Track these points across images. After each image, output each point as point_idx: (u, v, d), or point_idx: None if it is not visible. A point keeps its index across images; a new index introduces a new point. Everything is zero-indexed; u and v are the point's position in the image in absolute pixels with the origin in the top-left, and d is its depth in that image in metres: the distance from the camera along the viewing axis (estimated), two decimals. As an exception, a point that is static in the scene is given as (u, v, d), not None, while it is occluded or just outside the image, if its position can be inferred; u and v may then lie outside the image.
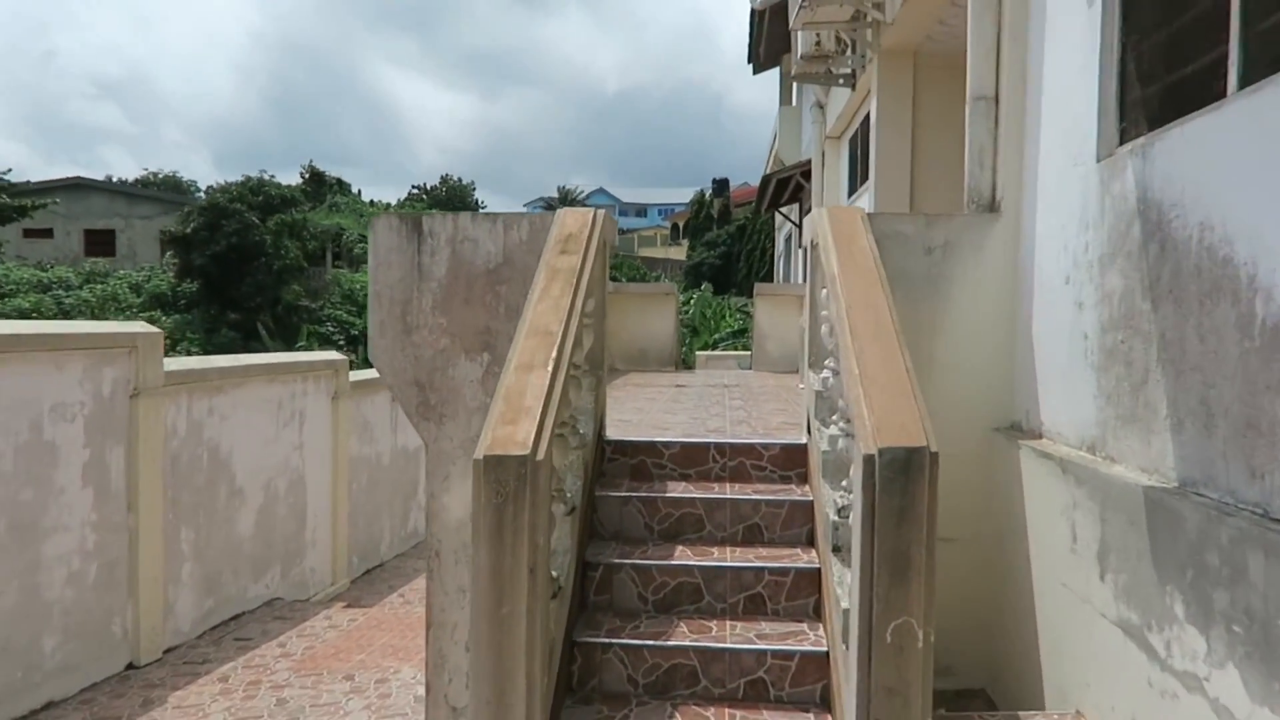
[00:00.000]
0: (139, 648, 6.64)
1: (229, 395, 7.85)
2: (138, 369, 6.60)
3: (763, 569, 3.99)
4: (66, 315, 32.93)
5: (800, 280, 16.42)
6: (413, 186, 72.13)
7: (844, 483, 3.51)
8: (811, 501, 4.32)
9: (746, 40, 21.27)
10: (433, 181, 71.46)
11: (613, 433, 4.96)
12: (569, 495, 3.69)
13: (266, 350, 33.41)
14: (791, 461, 4.69)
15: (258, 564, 8.24)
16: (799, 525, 4.31)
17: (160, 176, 68.91)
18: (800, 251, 16.69)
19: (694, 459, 4.70)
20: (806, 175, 13.39)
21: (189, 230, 35.52)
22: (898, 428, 2.80)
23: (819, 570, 3.95)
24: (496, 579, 2.72)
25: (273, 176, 40.10)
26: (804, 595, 3.94)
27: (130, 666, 6.60)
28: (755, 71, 22.93)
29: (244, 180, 39.31)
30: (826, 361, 4.32)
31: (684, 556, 4.08)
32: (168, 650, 6.98)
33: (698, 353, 22.48)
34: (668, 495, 4.39)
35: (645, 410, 6.54)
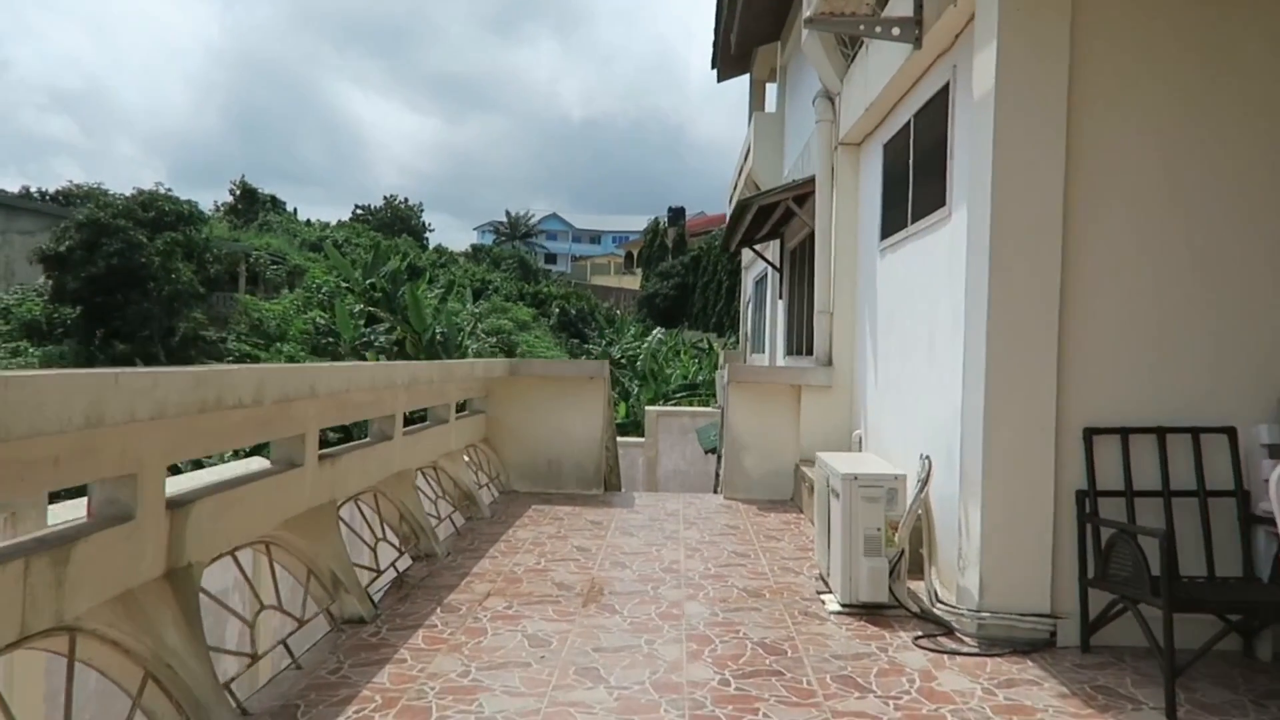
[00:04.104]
0: None
1: None
2: None
3: None
4: (-93, 346, 27.74)
5: (781, 344, 12.28)
6: (356, 206, 66.65)
7: None
8: None
9: (712, 38, 17.33)
10: (378, 202, 66.16)
11: None
12: None
13: (149, 390, 28.54)
14: None
15: None
16: None
17: (84, 189, 63.09)
18: (780, 303, 12.55)
19: None
20: (799, 200, 9.31)
21: (63, 249, 30.58)
22: None
23: None
24: None
25: (167, 189, 35.06)
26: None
27: None
28: (721, 78, 19.02)
29: (135, 193, 34.42)
30: None
31: None
32: None
33: (647, 408, 18.36)
34: None
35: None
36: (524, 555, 5.51)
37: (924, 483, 4.28)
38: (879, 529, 4.37)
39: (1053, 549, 4.04)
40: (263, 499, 3.69)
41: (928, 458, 4.36)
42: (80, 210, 32.32)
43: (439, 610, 4.34)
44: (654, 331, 42.29)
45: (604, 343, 46.57)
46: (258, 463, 4.66)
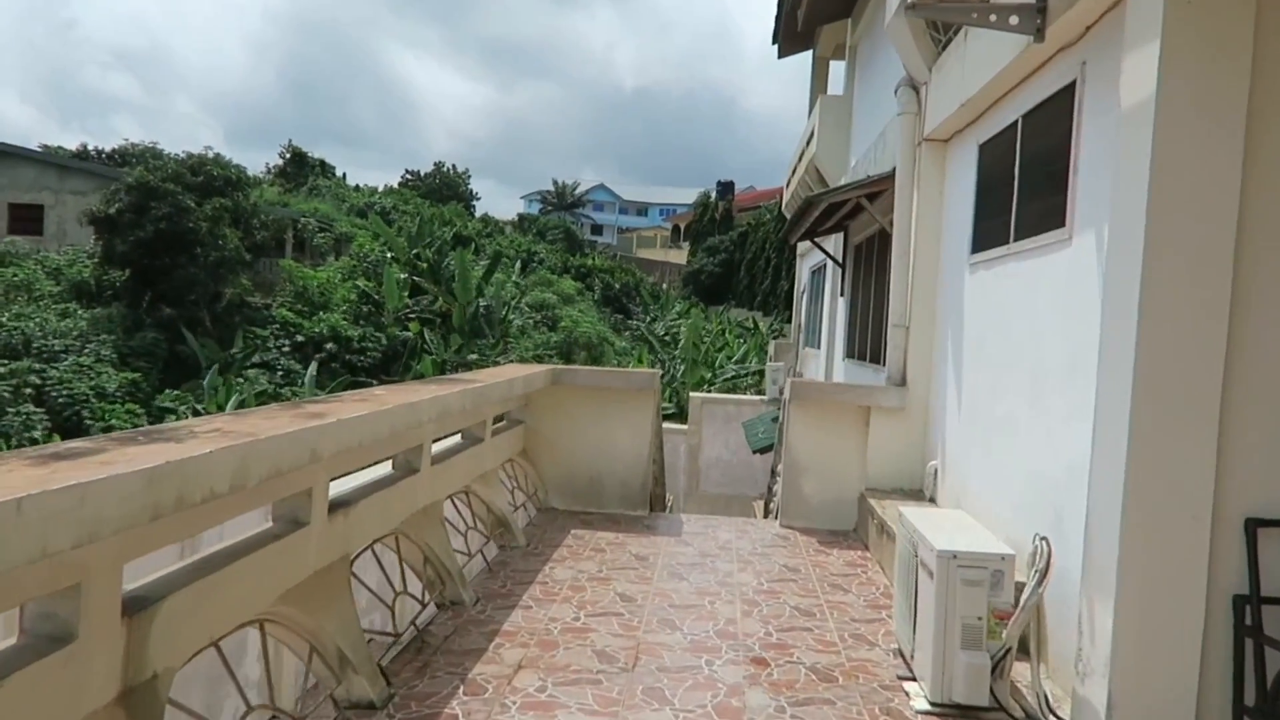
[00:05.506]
0: None
1: None
2: None
3: None
4: (-44, 306, 27.94)
5: (840, 345, 11.51)
6: (406, 171, 66.38)
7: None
8: None
9: (775, 12, 16.40)
10: (427, 168, 65.70)
11: None
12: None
13: (194, 355, 28.58)
14: None
15: None
16: None
17: (140, 148, 63.26)
18: (841, 301, 11.76)
19: None
20: (870, 197, 8.53)
21: (113, 211, 30.59)
22: None
23: None
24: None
25: (216, 154, 34.99)
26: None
27: None
28: (782, 54, 18.10)
29: (185, 156, 34.38)
30: None
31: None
32: None
33: (692, 394, 17.69)
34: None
35: None
36: (561, 605, 4.92)
37: (1042, 575, 3.59)
38: (980, 618, 3.69)
39: (1200, 663, 3.33)
40: (257, 574, 3.11)
41: (1044, 540, 3.66)
42: (130, 173, 32.26)
43: (462, 690, 3.75)
44: (688, 314, 41.62)
45: (648, 319, 45.94)
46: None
